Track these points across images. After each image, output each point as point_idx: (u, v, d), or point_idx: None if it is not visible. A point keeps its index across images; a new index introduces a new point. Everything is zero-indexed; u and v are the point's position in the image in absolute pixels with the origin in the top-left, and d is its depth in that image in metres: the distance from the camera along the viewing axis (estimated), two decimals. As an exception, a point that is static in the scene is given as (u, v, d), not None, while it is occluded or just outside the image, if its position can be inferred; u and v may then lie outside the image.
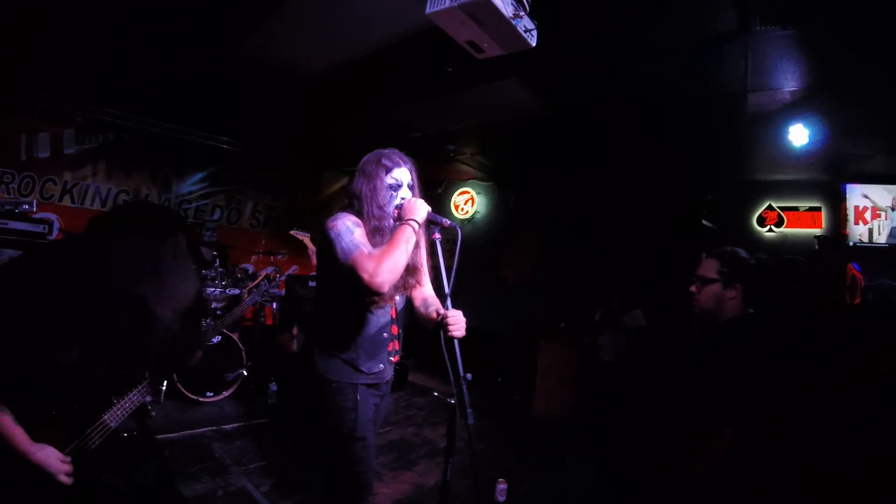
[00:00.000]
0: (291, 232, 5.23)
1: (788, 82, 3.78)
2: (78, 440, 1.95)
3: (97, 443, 2.00)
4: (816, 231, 5.56)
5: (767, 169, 5.66)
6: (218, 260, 6.17)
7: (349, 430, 2.18)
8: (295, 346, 5.87)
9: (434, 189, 8.81)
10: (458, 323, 2.03)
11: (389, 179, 2.26)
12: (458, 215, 8.59)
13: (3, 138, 5.94)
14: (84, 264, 1.89)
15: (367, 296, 2.17)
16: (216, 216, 7.80)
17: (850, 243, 5.29)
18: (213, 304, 5.78)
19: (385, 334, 2.32)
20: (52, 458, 1.84)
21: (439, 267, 2.09)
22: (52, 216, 6.07)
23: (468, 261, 2.11)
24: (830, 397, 2.32)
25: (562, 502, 4.05)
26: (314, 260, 5.03)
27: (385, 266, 1.95)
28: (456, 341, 2.00)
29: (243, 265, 7.32)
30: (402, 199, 2.24)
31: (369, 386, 2.27)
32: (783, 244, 5.73)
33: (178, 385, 4.98)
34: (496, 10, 2.55)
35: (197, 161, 7.56)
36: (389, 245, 2.03)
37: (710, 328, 2.41)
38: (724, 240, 2.96)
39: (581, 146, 5.76)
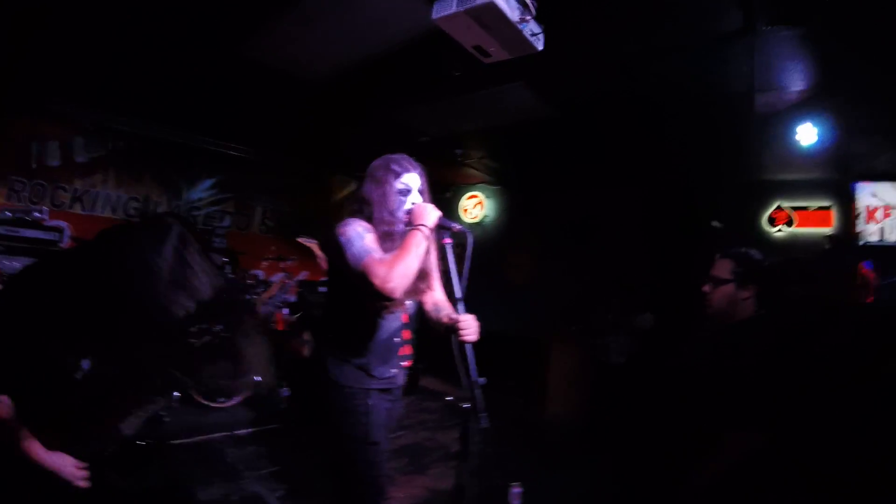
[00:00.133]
0: (299, 239, 5.24)
1: (795, 81, 3.77)
2: (93, 447, 1.97)
3: (112, 450, 2.02)
4: (827, 230, 5.52)
5: (776, 168, 5.64)
6: (228, 266, 6.20)
7: (362, 435, 2.19)
8: (306, 352, 5.89)
9: (443, 193, 8.82)
10: (470, 327, 2.04)
11: (399, 184, 2.26)
12: (468, 219, 8.59)
13: (14, 146, 6.00)
14: (95, 274, 1.92)
15: (379, 301, 2.17)
16: (226, 223, 7.84)
17: (862, 242, 5.25)
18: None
19: (397, 339, 2.32)
20: (67, 464, 1.86)
21: (450, 271, 2.10)
22: (63, 223, 6.10)
23: (478, 264, 2.11)
24: (833, 398, 2.30)
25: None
26: (324, 265, 5.05)
27: (397, 271, 1.96)
28: (468, 345, 2.01)
29: (253, 271, 7.33)
30: (412, 203, 2.25)
31: (382, 391, 2.28)
32: (793, 244, 5.69)
33: (191, 391, 5.00)
34: (502, 15, 2.56)
35: (206, 167, 7.60)
36: (401, 251, 2.04)
37: (722, 329, 2.40)
38: (733, 240, 2.95)
39: (588, 148, 5.77)
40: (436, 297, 2.42)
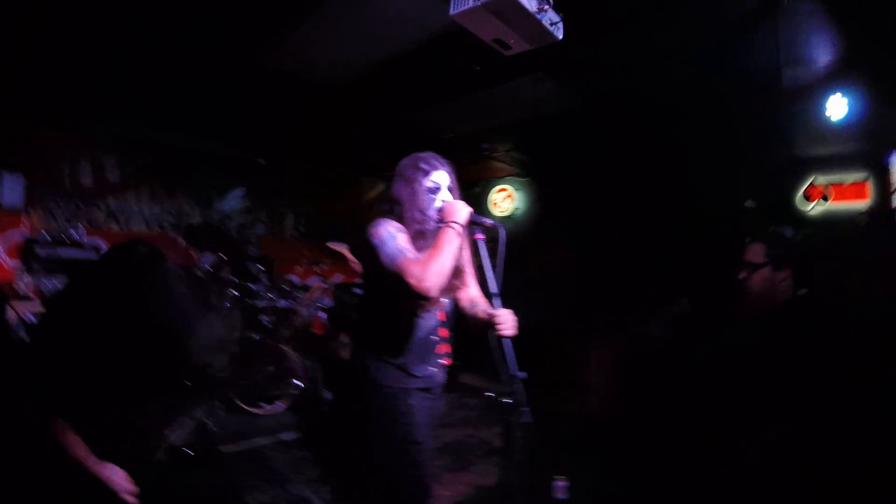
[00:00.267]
0: (329, 244, 5.28)
1: (822, 54, 3.68)
2: (142, 457, 2.02)
3: (161, 459, 2.06)
4: (863, 204, 5.34)
5: (808, 144, 5.48)
6: (264, 274, 6.29)
7: (404, 435, 2.20)
8: (345, 354, 5.94)
9: (472, 188, 8.79)
10: (507, 322, 2.03)
11: (428, 183, 2.26)
12: (498, 213, 8.55)
13: (47, 169, 6.17)
14: (127, 290, 1.96)
15: (415, 300, 2.18)
16: (258, 230, 7.96)
17: (899, 214, 5.07)
18: (263, 318, 5.90)
19: (434, 337, 2.32)
20: (116, 475, 1.90)
21: (483, 267, 2.09)
22: (99, 241, 6.27)
23: (511, 258, 2.10)
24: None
25: (622, 497, 3.99)
26: (356, 267, 5.08)
27: (432, 270, 1.96)
28: (506, 340, 2.00)
29: (289, 276, 7.44)
30: (443, 201, 2.25)
31: (421, 390, 2.28)
32: (830, 220, 5.52)
33: (234, 398, 5.09)
34: (519, 6, 2.54)
35: (236, 177, 7.73)
36: (434, 249, 2.04)
37: (763, 314, 2.34)
38: (770, 220, 2.88)
39: (615, 137, 5.69)
40: (471, 294, 2.41)
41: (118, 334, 1.92)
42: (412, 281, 1.95)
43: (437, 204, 2.26)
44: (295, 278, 7.73)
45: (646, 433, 5.02)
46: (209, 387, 2.34)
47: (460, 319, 2.46)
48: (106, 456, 1.91)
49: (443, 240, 2.05)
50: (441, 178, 2.30)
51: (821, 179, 5.63)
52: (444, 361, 2.39)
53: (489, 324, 2.05)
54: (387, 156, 2.96)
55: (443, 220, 2.15)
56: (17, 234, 5.87)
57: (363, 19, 3.62)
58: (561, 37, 2.83)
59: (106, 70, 4.68)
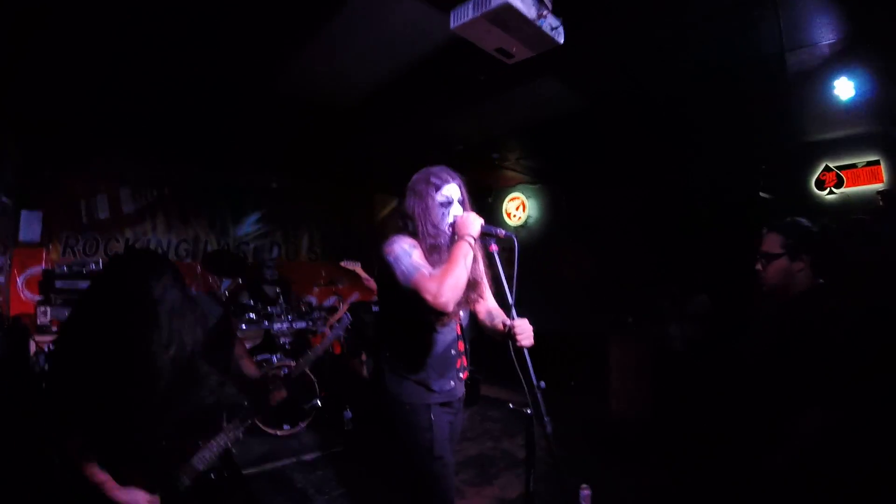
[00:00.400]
0: (342, 263, 5.29)
1: (824, 35, 3.61)
2: (166, 482, 2.02)
3: (186, 484, 2.06)
4: (879, 186, 5.24)
5: (818, 129, 5.39)
6: (281, 296, 6.32)
7: (427, 451, 2.19)
8: (365, 372, 5.94)
9: (484, 198, 8.80)
10: (525, 332, 2.01)
11: (440, 197, 2.27)
12: (512, 222, 8.55)
13: (63, 205, 6.31)
14: (135, 308, 1.96)
15: (432, 316, 2.18)
16: (275, 253, 8.02)
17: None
18: (282, 339, 5.93)
19: (453, 351, 2.32)
20: (140, 499, 1.90)
21: (500, 278, 2.09)
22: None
23: (527, 267, 2.08)
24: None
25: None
26: (370, 285, 5.09)
27: (447, 285, 1.96)
28: (525, 350, 1.98)
29: (307, 298, 7.47)
30: (455, 215, 2.24)
31: (442, 405, 2.28)
32: (846, 205, 5.42)
33: (256, 420, 5.09)
34: (519, 13, 2.54)
35: (250, 203, 7.82)
36: (449, 263, 2.04)
37: (782, 305, 2.30)
38: (784, 209, 2.84)
39: (622, 136, 5.67)
40: (489, 305, 2.41)
41: (133, 350, 1.92)
42: (428, 297, 1.95)
43: (450, 218, 2.26)
44: (312, 299, 7.77)
45: (673, 435, 4.97)
46: (234, 410, 2.32)
47: (481, 331, 2.45)
48: (129, 481, 1.92)
49: (457, 254, 2.05)
50: (452, 191, 2.30)
51: (833, 164, 5.54)
52: (462, 375, 2.37)
53: (508, 335, 2.04)
54: (399, 172, 2.97)
55: (456, 234, 2.15)
56: (37, 269, 5.98)
57: (366, 39, 3.65)
58: (562, 41, 2.83)
59: (118, 108, 4.78)
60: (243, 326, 5.77)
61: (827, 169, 5.55)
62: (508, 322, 2.06)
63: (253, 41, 3.66)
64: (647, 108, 4.86)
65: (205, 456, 2.12)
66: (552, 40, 2.78)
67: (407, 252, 2.11)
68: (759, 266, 2.34)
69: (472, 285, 2.29)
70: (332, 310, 6.74)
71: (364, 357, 6.04)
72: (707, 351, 5.23)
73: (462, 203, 2.32)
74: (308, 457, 4.83)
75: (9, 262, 5.76)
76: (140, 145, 5.97)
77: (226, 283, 6.31)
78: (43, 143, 5.67)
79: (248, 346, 5.77)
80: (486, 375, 6.84)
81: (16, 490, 2.76)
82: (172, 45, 3.62)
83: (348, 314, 3.76)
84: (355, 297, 6.27)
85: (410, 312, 2.15)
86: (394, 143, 6.06)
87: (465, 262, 2.04)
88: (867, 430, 2.03)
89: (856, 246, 3.89)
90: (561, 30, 2.80)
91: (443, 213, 2.27)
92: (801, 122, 5.24)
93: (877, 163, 5.28)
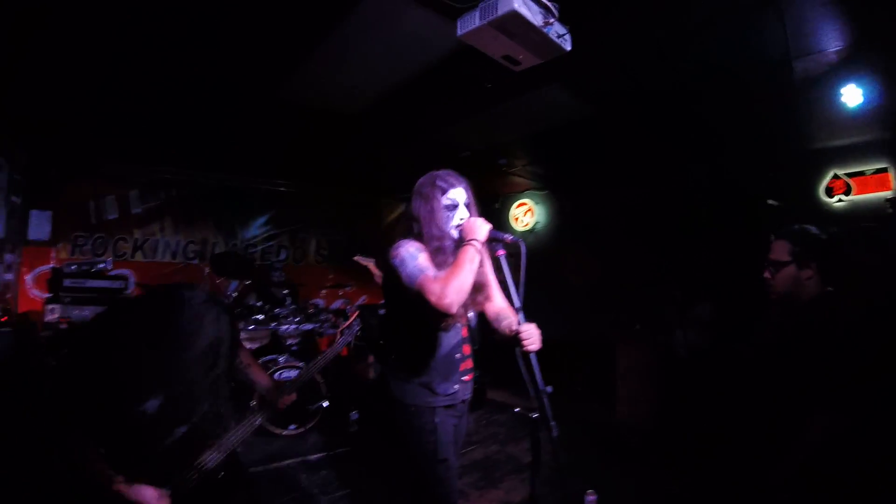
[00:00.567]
0: (355, 258, 5.29)
1: (831, 42, 3.61)
2: (176, 480, 2.04)
3: (194, 482, 2.09)
4: (887, 193, 5.22)
5: (826, 136, 5.36)
6: (289, 298, 6.36)
7: (431, 453, 2.20)
8: (372, 374, 5.96)
9: (491, 204, 8.81)
10: (532, 336, 2.02)
11: (446, 200, 2.28)
12: (519, 228, 8.54)
13: (73, 206, 6.42)
14: (157, 318, 2.03)
15: (437, 318, 2.19)
16: (282, 256, 8.08)
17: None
18: (289, 341, 5.95)
19: (458, 354, 2.33)
20: (149, 495, 1.93)
21: (507, 283, 2.10)
22: (127, 272, 6.42)
23: (535, 272, 2.10)
24: None
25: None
26: (381, 283, 5.09)
27: (451, 288, 1.97)
28: (532, 354, 2.00)
29: (314, 300, 7.51)
30: (461, 219, 2.26)
31: (446, 407, 2.29)
32: (855, 212, 5.40)
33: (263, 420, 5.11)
34: (525, 21, 2.56)
35: (258, 206, 7.90)
36: (454, 267, 2.05)
37: (790, 312, 2.30)
38: (792, 217, 2.83)
39: (630, 142, 5.67)
40: (497, 308, 2.41)
41: (150, 359, 1.96)
42: (432, 298, 1.96)
43: (455, 221, 2.27)
44: (320, 302, 7.81)
45: (680, 441, 4.96)
46: (242, 411, 2.36)
47: (489, 334, 2.46)
48: (137, 479, 1.94)
49: (463, 257, 2.06)
50: (458, 194, 2.31)
51: (842, 171, 5.52)
52: (467, 378, 2.39)
53: (515, 339, 2.05)
54: (406, 177, 2.99)
55: (463, 238, 2.17)
56: (46, 267, 6.06)
57: (374, 46, 3.68)
58: (569, 48, 2.85)
59: (129, 112, 4.84)
60: (251, 327, 5.81)
61: (835, 176, 5.54)
62: (515, 326, 2.08)
63: (262, 47, 3.71)
64: (655, 115, 4.87)
65: (214, 456, 2.15)
66: (559, 47, 2.80)
67: (413, 255, 2.13)
68: (767, 274, 2.34)
69: (479, 288, 2.30)
70: (340, 312, 6.76)
71: (371, 359, 6.06)
72: (710, 358, 5.23)
73: (468, 206, 2.33)
74: (313, 457, 4.85)
75: (18, 260, 5.84)
76: (149, 148, 6.05)
77: (233, 284, 6.35)
78: (51, 145, 5.77)
79: (254, 346, 5.80)
80: (493, 379, 6.85)
81: (20, 488, 2.79)
82: (183, 49, 3.68)
83: (358, 320, 3.77)
84: (363, 300, 6.28)
85: (415, 315, 2.17)
86: (401, 149, 6.10)
87: (471, 265, 2.05)
88: (875, 437, 2.04)
89: (864, 253, 3.88)
90: (568, 37, 2.82)
91: (448, 217, 2.28)
92: (809, 129, 5.21)
93: (885, 170, 5.25)
